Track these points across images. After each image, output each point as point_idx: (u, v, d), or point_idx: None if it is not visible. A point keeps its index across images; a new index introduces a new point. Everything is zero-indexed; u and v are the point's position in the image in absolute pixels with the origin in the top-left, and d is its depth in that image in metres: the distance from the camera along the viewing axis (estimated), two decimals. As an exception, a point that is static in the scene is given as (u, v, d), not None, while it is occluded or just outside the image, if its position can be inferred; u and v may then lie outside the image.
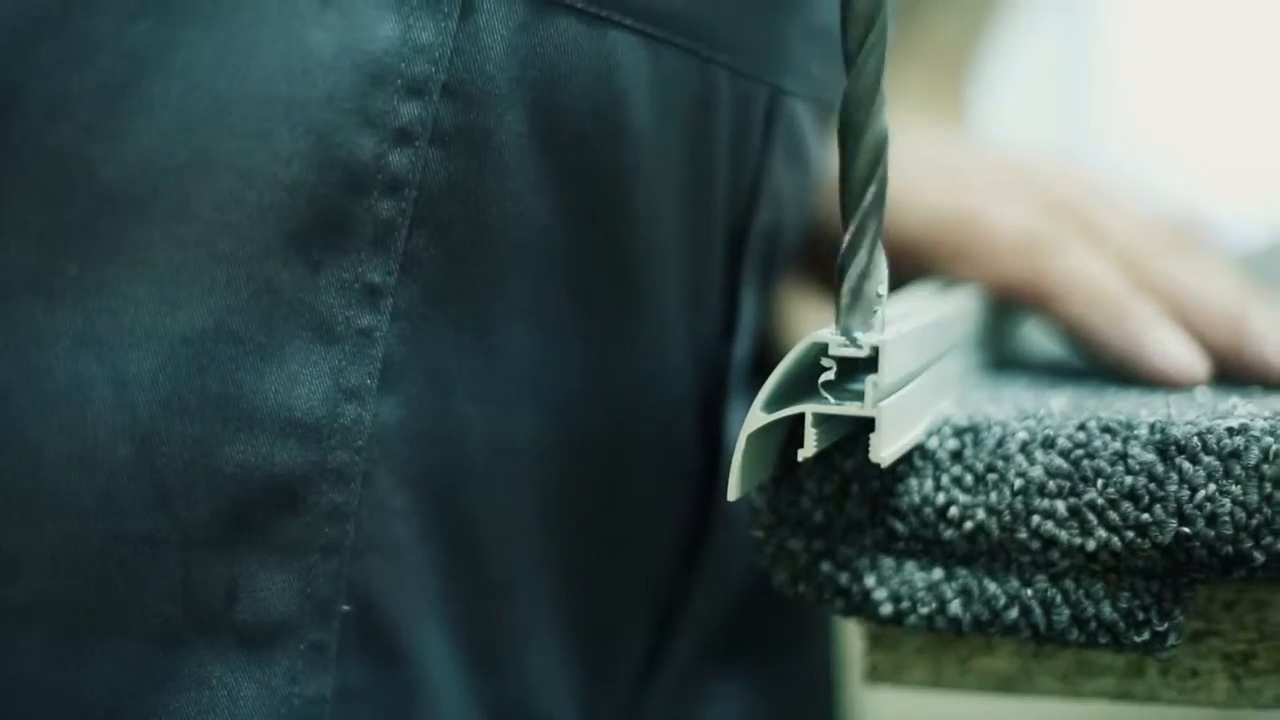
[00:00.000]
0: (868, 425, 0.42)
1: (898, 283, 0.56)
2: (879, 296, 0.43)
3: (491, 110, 0.46)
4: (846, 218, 0.43)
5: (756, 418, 0.43)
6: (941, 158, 0.61)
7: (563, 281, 0.49)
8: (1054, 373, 0.56)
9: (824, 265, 0.59)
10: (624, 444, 0.51)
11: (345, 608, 0.47)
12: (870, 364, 0.42)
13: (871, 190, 0.43)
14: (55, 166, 0.44)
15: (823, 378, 0.43)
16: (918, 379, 0.46)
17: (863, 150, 0.43)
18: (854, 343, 0.42)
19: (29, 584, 0.45)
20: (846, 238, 0.43)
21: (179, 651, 0.46)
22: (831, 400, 0.43)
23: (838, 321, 0.43)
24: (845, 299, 0.43)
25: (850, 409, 0.42)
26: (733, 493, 0.43)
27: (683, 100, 0.49)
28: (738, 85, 0.50)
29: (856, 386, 0.43)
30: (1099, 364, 0.55)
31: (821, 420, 0.43)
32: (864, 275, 0.43)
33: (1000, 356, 0.60)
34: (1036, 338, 0.63)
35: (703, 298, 0.52)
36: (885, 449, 0.42)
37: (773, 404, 0.43)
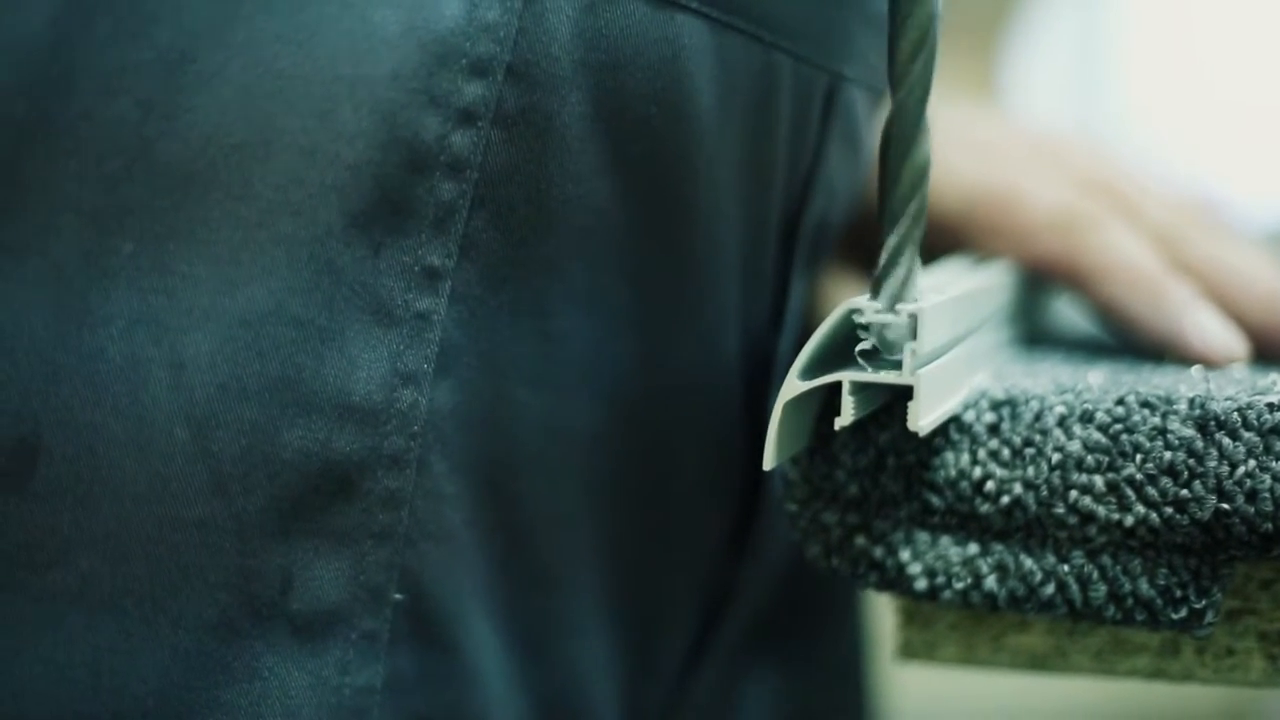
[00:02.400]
0: (904, 396, 0.42)
1: (931, 258, 0.55)
2: (915, 307, 0.42)
3: (555, 92, 0.45)
4: (886, 230, 0.43)
5: (793, 385, 0.42)
6: (975, 132, 0.60)
7: (621, 267, 0.48)
8: (1088, 349, 0.56)
9: (866, 246, 0.58)
10: (675, 433, 0.51)
11: (397, 596, 0.46)
12: (908, 332, 0.42)
13: (912, 208, 0.42)
14: (111, 143, 0.44)
15: (860, 346, 0.42)
16: (954, 350, 0.46)
17: (906, 172, 0.43)
18: (891, 310, 0.42)
19: (80, 567, 0.44)
20: (884, 254, 0.43)
21: (232, 642, 0.45)
22: (868, 368, 0.42)
23: (887, 215, 0.43)
24: (882, 312, 0.43)
25: (888, 376, 0.42)
26: (769, 461, 0.43)
27: (746, 86, 0.48)
28: (799, 72, 0.50)
29: (894, 355, 0.42)
30: (1135, 343, 0.55)
31: (858, 389, 0.43)
32: (904, 284, 0.43)
33: (1033, 332, 0.59)
34: (1069, 314, 0.63)
35: (757, 287, 0.52)
36: (923, 418, 0.42)
37: (809, 372, 0.43)
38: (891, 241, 0.43)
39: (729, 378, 0.52)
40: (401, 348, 0.45)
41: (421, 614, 0.47)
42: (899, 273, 0.43)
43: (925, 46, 0.42)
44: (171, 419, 0.44)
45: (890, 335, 0.42)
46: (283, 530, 0.45)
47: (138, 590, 0.45)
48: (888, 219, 0.43)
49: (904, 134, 0.43)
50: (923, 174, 0.43)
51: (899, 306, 0.42)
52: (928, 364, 0.43)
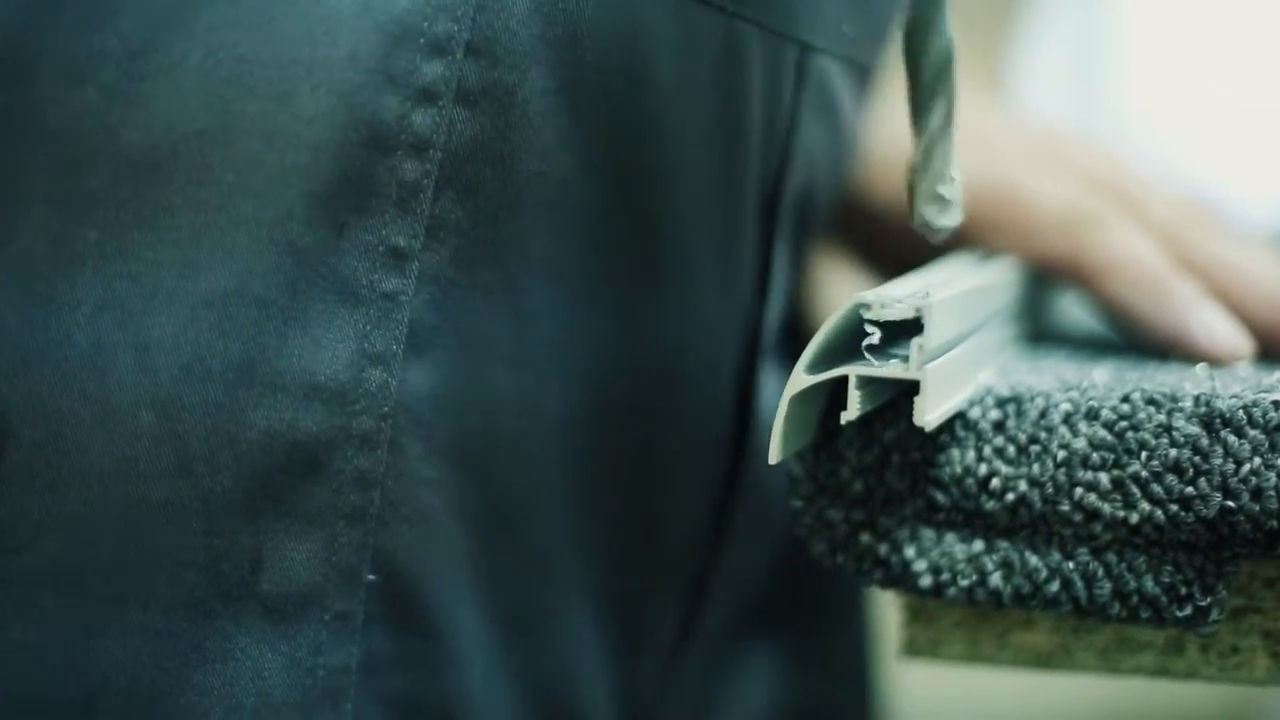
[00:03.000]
0: (910, 391, 0.42)
1: (935, 255, 0.55)
2: (954, 186, 0.43)
3: (515, 67, 0.46)
4: (917, 132, 0.43)
5: (800, 379, 0.42)
6: (979, 127, 0.60)
7: (591, 241, 0.48)
8: (1093, 346, 0.56)
9: (860, 234, 0.58)
10: (656, 409, 0.51)
11: (371, 577, 0.46)
12: (914, 327, 0.42)
13: (939, 107, 0.43)
14: (76, 131, 0.44)
15: (867, 340, 0.42)
16: (960, 346, 0.46)
17: (928, 63, 0.43)
18: (899, 305, 0.42)
19: (50, 551, 0.45)
20: (919, 150, 0.43)
21: (203, 623, 0.45)
22: (875, 362, 0.42)
23: (914, 218, 0.43)
24: (922, 200, 0.43)
25: (895, 371, 0.42)
26: (774, 456, 0.43)
27: (709, 56, 0.49)
28: (767, 41, 0.50)
29: (901, 350, 0.42)
30: (1140, 341, 0.55)
31: (865, 383, 0.43)
32: (941, 172, 0.43)
33: (1038, 330, 0.59)
34: (1074, 312, 0.63)
35: (735, 257, 0.52)
36: (929, 413, 0.42)
37: (815, 366, 0.42)
38: (928, 130, 0.43)
39: (710, 349, 0.52)
40: (368, 328, 0.45)
41: (397, 595, 0.47)
42: (937, 160, 0.43)
43: None
44: (137, 401, 0.44)
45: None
46: (251, 510, 0.45)
47: (107, 571, 0.45)
48: (919, 106, 0.43)
49: (922, 18, 0.43)
50: (947, 61, 0.43)
51: (906, 302, 0.42)
52: (934, 359, 0.42)
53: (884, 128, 0.57)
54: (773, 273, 0.53)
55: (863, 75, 0.55)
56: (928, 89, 0.43)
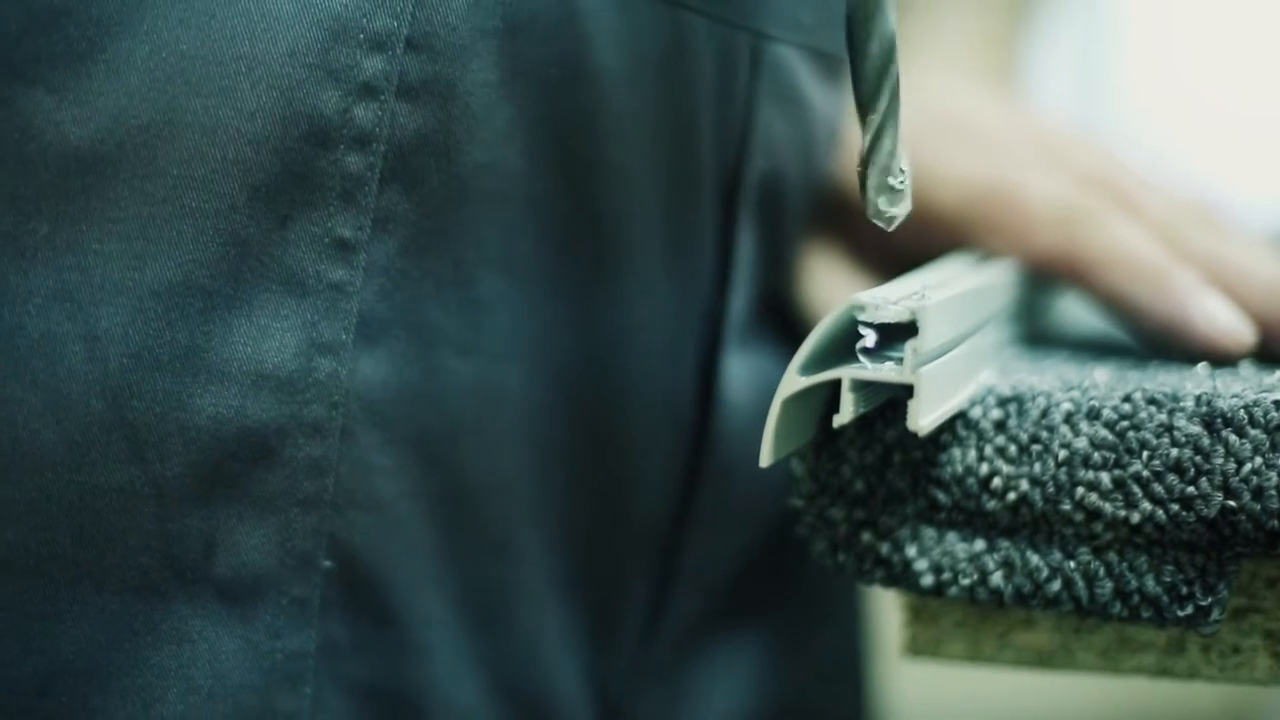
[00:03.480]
0: (908, 392, 0.42)
1: (931, 256, 0.55)
2: (902, 176, 0.43)
3: (456, 61, 0.46)
4: (863, 122, 0.43)
5: (792, 382, 0.42)
6: (975, 123, 0.60)
7: (539, 231, 0.49)
8: (1093, 347, 0.56)
9: (847, 225, 0.58)
10: (614, 395, 0.52)
11: (327, 563, 0.47)
12: (910, 329, 0.42)
13: (883, 99, 0.43)
14: (27, 130, 0.45)
15: (861, 343, 0.42)
16: (957, 348, 0.46)
17: (873, 45, 0.43)
18: (893, 307, 0.42)
19: (5, 537, 0.46)
20: (866, 140, 0.43)
21: (157, 604, 0.46)
22: (869, 365, 0.42)
23: (867, 209, 0.43)
24: (872, 191, 0.43)
25: (889, 374, 0.42)
26: (765, 458, 0.43)
27: (653, 46, 0.49)
28: (715, 31, 0.50)
29: (896, 353, 0.42)
30: (1141, 336, 0.54)
31: (860, 386, 0.43)
32: (890, 160, 0.43)
33: (1036, 332, 0.59)
34: (1073, 313, 0.63)
35: (690, 246, 0.52)
36: (924, 417, 0.42)
37: (809, 368, 0.42)
38: (873, 120, 0.43)
39: (667, 337, 0.52)
40: (316, 318, 0.46)
41: (354, 582, 0.48)
42: (883, 149, 0.43)
43: None
44: (88, 390, 0.45)
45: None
46: (203, 495, 0.46)
47: (62, 556, 0.46)
48: (863, 96, 0.43)
49: (863, 6, 0.43)
50: (890, 46, 0.43)
51: (901, 305, 0.42)
52: (930, 362, 0.42)
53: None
54: (735, 261, 0.54)
55: (832, 64, 0.55)
56: (871, 78, 0.43)
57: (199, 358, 0.46)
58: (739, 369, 0.54)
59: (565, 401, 0.50)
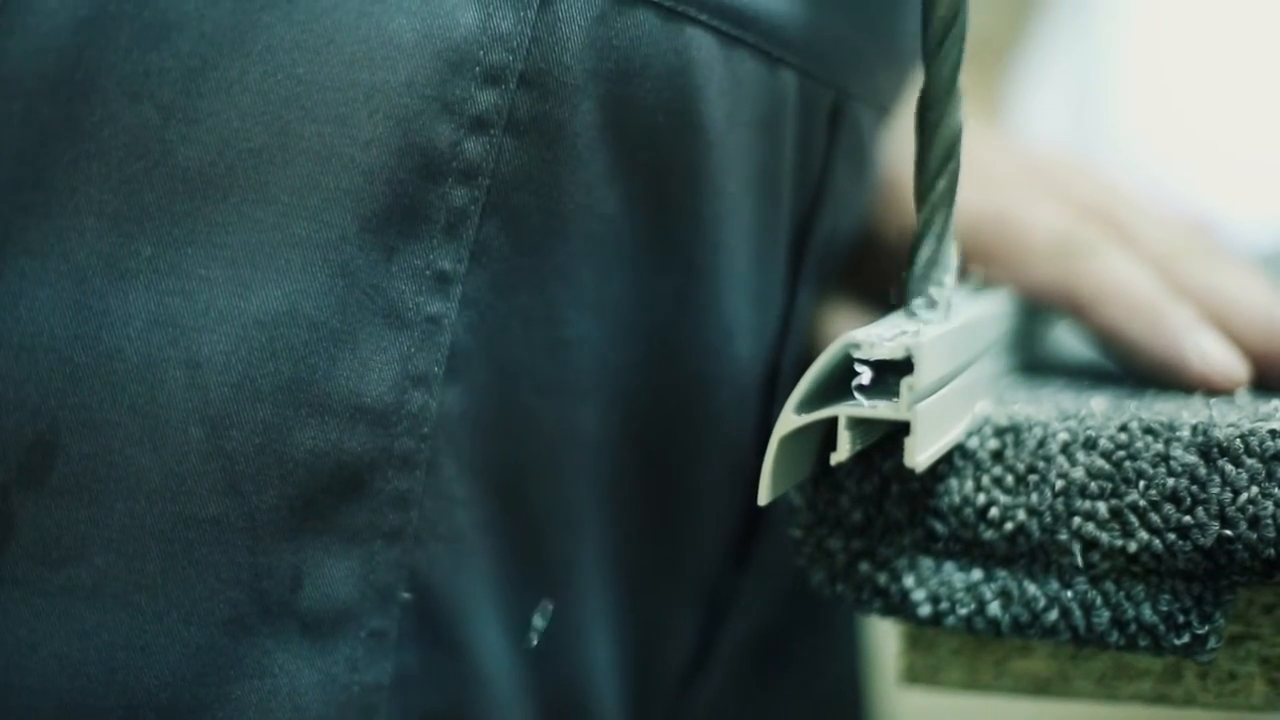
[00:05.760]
0: (905, 429, 0.42)
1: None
2: (947, 284, 0.43)
3: (566, 100, 0.46)
4: (919, 206, 0.44)
5: (789, 420, 0.42)
6: (973, 155, 0.61)
7: (630, 275, 0.49)
8: (1089, 376, 0.56)
9: (871, 268, 0.58)
10: (682, 441, 0.51)
11: (406, 595, 0.47)
12: (907, 366, 0.42)
13: (942, 182, 0.43)
14: (133, 148, 0.44)
15: (856, 380, 0.42)
16: (953, 382, 0.46)
17: (938, 142, 0.44)
18: (888, 344, 0.42)
19: (96, 564, 0.45)
20: (918, 225, 0.44)
21: (243, 639, 0.45)
22: (865, 403, 0.42)
23: (904, 303, 0.44)
24: (914, 283, 0.44)
25: (885, 411, 0.42)
26: (763, 496, 0.43)
27: (752, 100, 0.49)
28: (804, 87, 0.50)
29: (893, 389, 0.42)
30: (1135, 370, 0.55)
31: (856, 423, 0.43)
32: (932, 262, 0.44)
33: (1033, 360, 0.59)
34: (1069, 342, 0.63)
35: (766, 300, 0.52)
36: (920, 453, 0.42)
37: (807, 405, 0.43)
38: (923, 215, 0.44)
39: (738, 389, 0.52)
40: (412, 350, 0.46)
41: (429, 613, 0.47)
42: (926, 250, 0.44)
43: (958, 17, 0.44)
44: (187, 418, 0.45)
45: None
46: (294, 529, 0.45)
47: (151, 586, 0.45)
48: (918, 192, 0.44)
49: (937, 102, 0.44)
50: (954, 143, 0.44)
51: (896, 342, 0.42)
52: (926, 398, 0.43)
53: (895, 159, 0.58)
54: (795, 316, 0.53)
55: (889, 119, 0.56)
56: (934, 166, 0.44)
57: (301, 390, 0.45)
58: None
59: (635, 444, 0.50)
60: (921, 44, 0.44)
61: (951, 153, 0.44)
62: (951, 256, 0.45)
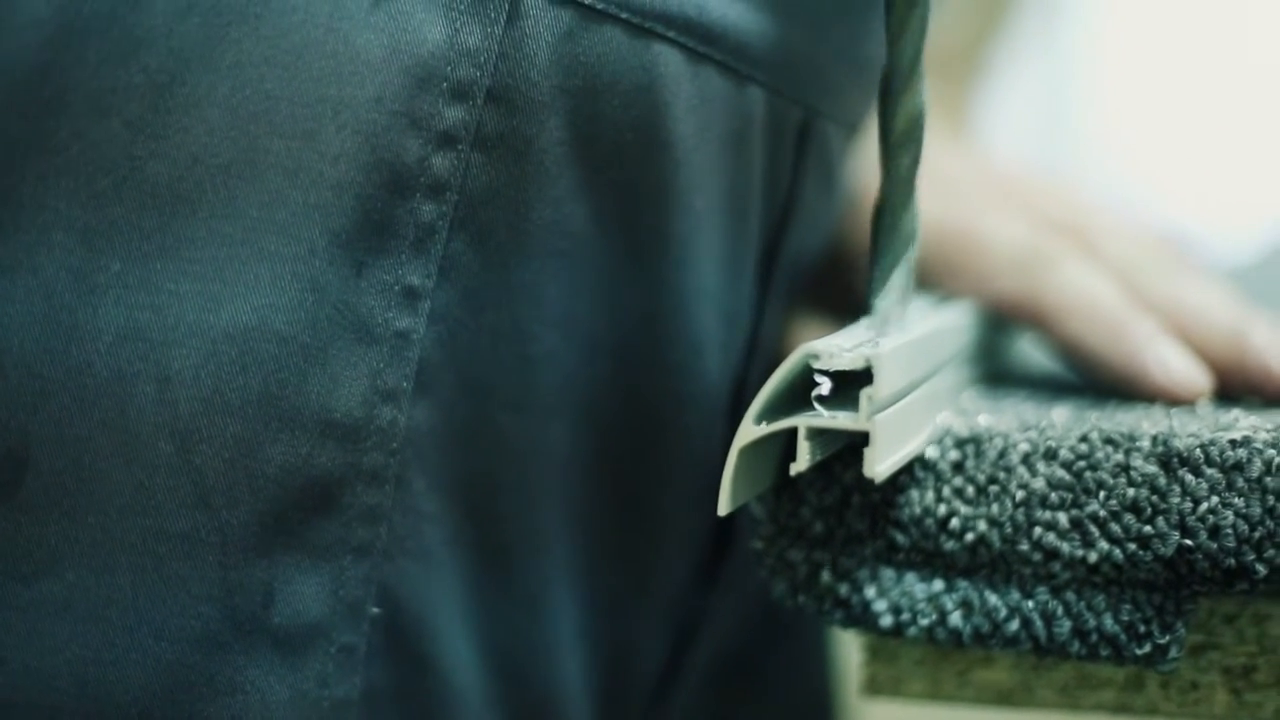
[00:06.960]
0: (864, 439, 0.42)
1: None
2: (910, 259, 0.45)
3: (534, 116, 0.46)
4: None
5: (749, 430, 0.42)
6: (937, 169, 0.61)
7: (599, 292, 0.49)
8: (1052, 387, 0.56)
9: (839, 285, 0.58)
10: (651, 458, 0.51)
11: (375, 610, 0.47)
12: (866, 376, 0.42)
13: (905, 159, 0.44)
14: (101, 163, 0.44)
15: (815, 391, 0.42)
16: (914, 393, 0.46)
17: (900, 117, 0.44)
18: (847, 354, 0.42)
19: (66, 578, 0.45)
20: (880, 202, 0.45)
21: (215, 656, 0.45)
22: (825, 413, 0.42)
23: (875, 282, 0.45)
24: (880, 267, 0.45)
25: (844, 422, 0.42)
26: (723, 506, 0.43)
27: (721, 116, 0.49)
28: (772, 104, 0.50)
29: (852, 399, 0.42)
30: (1097, 381, 0.55)
31: (816, 433, 0.43)
32: (902, 240, 0.45)
33: (996, 372, 0.60)
34: (1032, 354, 0.63)
35: (735, 316, 0.52)
36: (880, 464, 0.42)
37: (767, 415, 0.42)
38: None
39: (706, 405, 0.52)
40: (381, 365, 0.46)
41: (398, 629, 0.47)
42: (898, 245, 0.46)
43: (916, 127, 0.45)
44: (157, 432, 0.45)
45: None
46: (265, 544, 0.45)
47: (122, 601, 0.45)
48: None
49: (899, 78, 0.44)
50: (918, 120, 0.45)
51: (855, 352, 0.42)
52: (886, 409, 0.43)
53: (861, 175, 0.58)
54: (763, 333, 0.53)
55: (855, 136, 0.56)
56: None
57: (270, 404, 0.45)
58: None
59: (604, 461, 0.50)
60: (885, 21, 0.44)
61: (913, 132, 0.44)
62: (917, 229, 0.45)
